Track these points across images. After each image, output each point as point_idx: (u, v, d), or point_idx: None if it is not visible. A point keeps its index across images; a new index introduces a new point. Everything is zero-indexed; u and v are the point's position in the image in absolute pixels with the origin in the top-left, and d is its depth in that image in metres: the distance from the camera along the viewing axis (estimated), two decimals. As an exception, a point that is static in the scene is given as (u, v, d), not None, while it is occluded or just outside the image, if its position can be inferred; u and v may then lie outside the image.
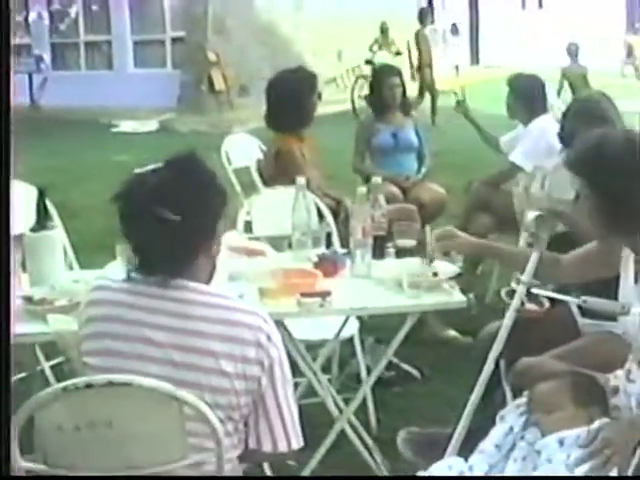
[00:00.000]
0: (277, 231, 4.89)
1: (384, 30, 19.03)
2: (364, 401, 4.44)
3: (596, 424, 2.73)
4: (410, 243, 4.06)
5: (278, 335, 2.60)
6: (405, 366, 5.21)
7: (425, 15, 17.29)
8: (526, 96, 6.56)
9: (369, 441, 4.18)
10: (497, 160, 7.08)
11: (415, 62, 17.44)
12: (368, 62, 18.46)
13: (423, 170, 7.02)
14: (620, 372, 3.07)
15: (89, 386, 2.33)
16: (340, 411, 4.05)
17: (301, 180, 4.19)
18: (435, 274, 3.62)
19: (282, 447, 2.60)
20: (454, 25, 20.82)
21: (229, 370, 2.48)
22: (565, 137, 3.88)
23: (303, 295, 3.44)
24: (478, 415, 3.12)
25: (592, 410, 2.86)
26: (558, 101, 11.56)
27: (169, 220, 2.42)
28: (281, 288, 3.50)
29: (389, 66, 7.87)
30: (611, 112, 3.86)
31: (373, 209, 3.97)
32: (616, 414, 2.92)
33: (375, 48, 19.05)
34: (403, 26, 22.59)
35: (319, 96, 5.85)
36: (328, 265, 3.83)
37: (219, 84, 18.49)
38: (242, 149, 7.12)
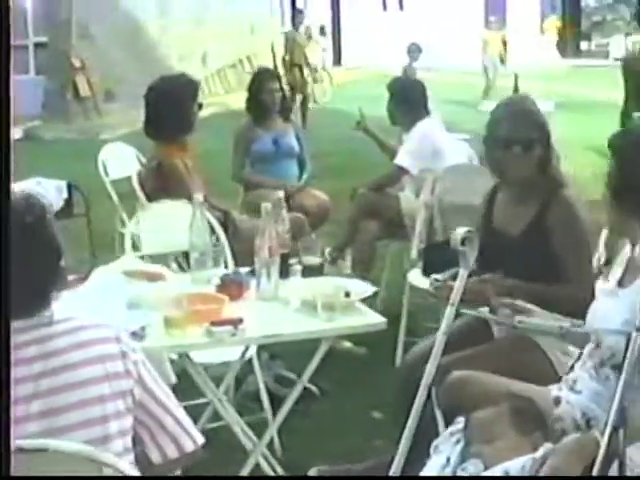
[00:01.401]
0: (166, 248, 4.67)
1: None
2: (267, 424, 4.22)
3: (541, 451, 2.58)
4: (316, 260, 3.89)
5: (129, 337, 2.47)
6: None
7: (298, 16, 17.28)
8: (407, 101, 6.49)
9: (279, 469, 3.98)
10: (374, 161, 6.96)
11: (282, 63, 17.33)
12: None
13: (305, 176, 6.85)
14: (562, 383, 3.03)
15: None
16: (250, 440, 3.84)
17: (199, 197, 3.96)
18: (347, 294, 3.44)
19: (188, 447, 2.45)
20: (322, 27, 21.00)
21: (106, 392, 2.29)
22: (490, 141, 3.71)
23: (213, 324, 3.20)
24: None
25: (535, 436, 2.73)
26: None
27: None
28: (188, 316, 3.23)
29: (267, 70, 7.67)
30: (536, 112, 3.74)
31: (276, 224, 3.75)
32: (559, 425, 2.83)
33: None
34: (267, 28, 22.54)
35: (200, 106, 5.61)
36: (232, 287, 3.60)
37: (84, 90, 18.07)
38: (120, 159, 6.84)
